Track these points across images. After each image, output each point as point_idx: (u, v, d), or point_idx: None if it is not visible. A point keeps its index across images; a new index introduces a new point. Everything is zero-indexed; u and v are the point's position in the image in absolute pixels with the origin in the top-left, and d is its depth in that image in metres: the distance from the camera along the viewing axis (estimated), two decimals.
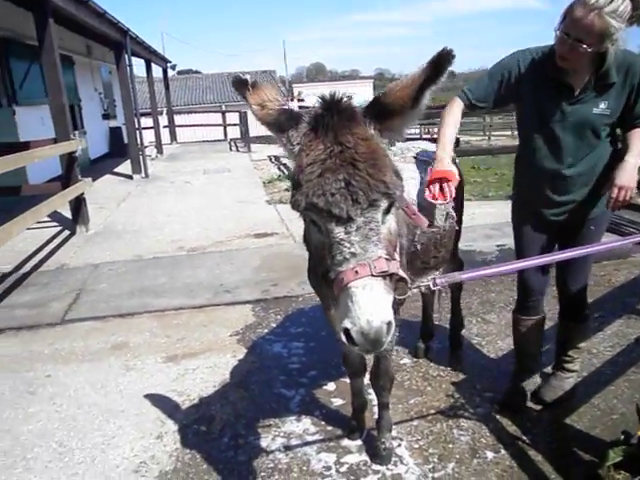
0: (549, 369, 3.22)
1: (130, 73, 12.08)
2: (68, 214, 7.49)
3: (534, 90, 2.38)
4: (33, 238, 6.93)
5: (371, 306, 1.38)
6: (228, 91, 33.22)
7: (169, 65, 20.41)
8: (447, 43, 1.36)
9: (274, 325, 4.09)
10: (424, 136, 17.32)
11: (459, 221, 2.98)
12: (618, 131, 2.45)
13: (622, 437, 2.48)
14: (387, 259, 1.44)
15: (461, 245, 5.38)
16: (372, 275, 1.40)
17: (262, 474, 2.52)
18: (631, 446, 2.38)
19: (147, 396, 3.20)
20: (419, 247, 2.37)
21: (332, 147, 1.43)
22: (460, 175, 3.03)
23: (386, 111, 1.48)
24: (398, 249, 1.63)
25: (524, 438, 2.67)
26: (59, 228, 7.56)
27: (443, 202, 2.22)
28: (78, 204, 7.15)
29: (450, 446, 2.64)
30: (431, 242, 2.48)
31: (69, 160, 6.98)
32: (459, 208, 3.01)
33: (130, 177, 11.95)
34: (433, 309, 3.49)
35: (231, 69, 39.31)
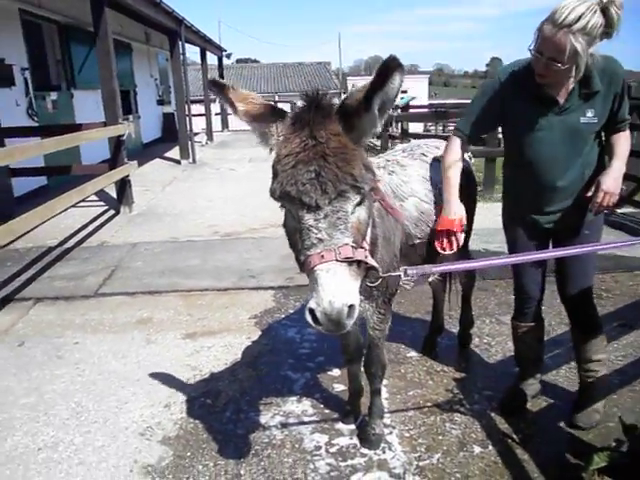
0: (554, 373, 3.25)
1: (183, 61, 12.45)
2: (115, 195, 7.86)
3: (519, 106, 2.37)
4: (80, 216, 7.34)
5: (333, 289, 1.50)
6: (282, 81, 33.59)
7: (225, 54, 20.82)
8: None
9: (292, 311, 4.23)
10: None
11: (469, 219, 3.02)
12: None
13: (613, 444, 2.50)
14: (353, 247, 1.56)
15: (492, 247, 5.44)
16: (337, 260, 1.52)
17: (256, 447, 2.67)
18: (616, 452, 2.40)
19: (162, 368, 3.41)
20: (416, 241, 2.45)
21: (307, 141, 1.55)
22: (473, 177, 3.09)
23: (348, 112, 1.58)
24: (369, 238, 1.73)
25: (514, 437, 2.72)
26: (105, 207, 7.95)
27: (451, 252, 2.46)
28: (123, 186, 7.49)
29: (440, 438, 2.72)
30: (430, 237, 2.54)
31: (117, 143, 7.32)
32: (471, 206, 3.05)
33: (178, 162, 12.36)
34: (443, 306, 3.55)
35: (289, 60, 39.63)
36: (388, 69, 1.46)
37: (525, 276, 2.72)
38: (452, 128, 2.82)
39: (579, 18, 2.01)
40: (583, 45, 2.05)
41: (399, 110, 10.07)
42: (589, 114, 2.28)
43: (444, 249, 2.46)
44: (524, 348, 2.93)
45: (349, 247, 1.55)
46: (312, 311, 1.52)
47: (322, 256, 1.53)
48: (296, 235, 1.63)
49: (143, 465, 2.57)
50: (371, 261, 1.66)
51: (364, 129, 1.60)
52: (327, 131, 1.55)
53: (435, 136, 8.46)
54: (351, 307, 1.51)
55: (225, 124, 20.43)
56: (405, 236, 2.39)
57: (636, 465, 2.24)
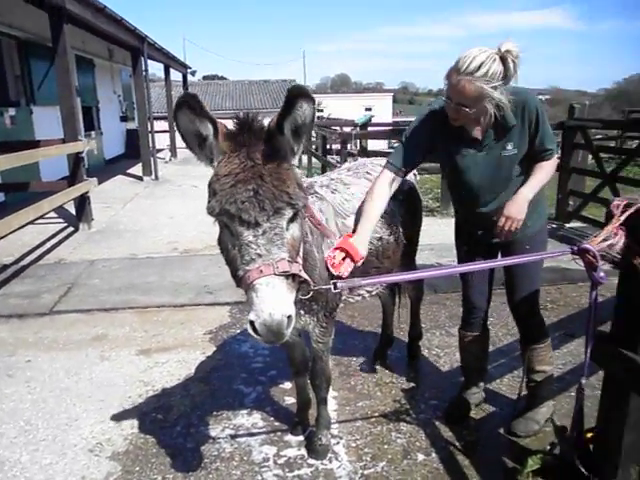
0: (498, 382, 3.38)
1: (145, 77, 12.45)
2: (74, 212, 7.79)
3: (445, 143, 2.51)
4: (38, 233, 7.25)
5: (273, 301, 1.60)
6: (247, 99, 33.76)
7: (189, 71, 20.85)
8: None
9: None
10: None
11: (413, 236, 3.14)
12: None
13: (548, 448, 2.63)
14: (289, 261, 1.66)
15: (445, 260, 5.59)
16: (275, 274, 1.62)
17: (205, 460, 2.71)
18: (549, 455, 2.53)
19: (115, 385, 3.42)
20: None
21: (245, 162, 1.65)
22: (416, 194, 3.22)
23: (269, 135, 1.68)
24: (302, 253, 1.83)
25: (457, 444, 2.82)
26: (64, 225, 7.87)
27: (335, 272, 2.25)
28: (82, 202, 7.45)
29: (385, 447, 2.80)
30: (372, 254, 2.64)
31: (75, 160, 7.29)
32: (416, 222, 3.17)
33: (140, 179, 12.30)
34: (393, 319, 3.65)
35: (256, 77, 39.91)
36: (292, 97, 1.59)
37: (471, 287, 2.85)
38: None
39: (480, 66, 2.16)
40: (486, 91, 2.19)
41: (358, 128, 10.31)
42: (509, 147, 2.41)
43: (332, 265, 2.27)
44: (469, 357, 3.05)
45: (286, 261, 1.65)
46: (252, 323, 1.61)
47: (261, 270, 1.62)
48: (233, 251, 1.72)
49: None
50: (304, 275, 1.76)
51: (285, 150, 1.71)
52: (262, 152, 1.65)
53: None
54: (289, 317, 1.62)
55: None
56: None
57: (565, 466, 2.36)
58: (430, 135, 2.53)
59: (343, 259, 2.29)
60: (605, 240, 1.97)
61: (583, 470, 2.14)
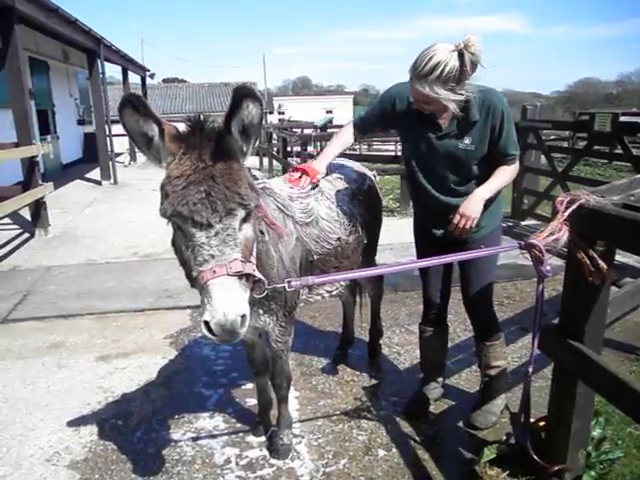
0: (457, 377, 3.45)
1: (102, 80, 12.23)
2: (30, 217, 7.59)
3: (408, 122, 2.56)
4: None
5: (227, 301, 1.61)
6: (207, 101, 33.53)
7: (148, 73, 20.56)
8: None
9: None
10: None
11: (373, 236, 3.18)
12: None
13: (504, 438, 2.71)
14: (242, 261, 1.67)
15: (404, 259, 5.66)
16: (228, 274, 1.63)
17: (167, 465, 2.69)
18: (504, 445, 2.61)
19: (73, 392, 3.35)
20: (316, 257, 2.58)
21: (197, 164, 1.65)
22: (376, 194, 3.25)
23: (219, 136, 1.70)
24: (255, 253, 1.85)
25: (417, 438, 2.87)
26: (19, 231, 7.67)
27: (295, 186, 2.61)
28: (38, 208, 7.26)
29: (347, 444, 2.83)
30: (330, 253, 2.68)
31: (30, 164, 7.11)
32: (375, 222, 3.20)
33: (99, 183, 12.07)
34: (353, 318, 3.69)
35: (217, 79, 39.60)
36: (238, 97, 1.61)
37: (427, 283, 2.93)
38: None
39: (433, 69, 2.19)
40: (441, 91, 2.24)
41: (318, 130, 10.37)
42: (466, 141, 2.45)
43: (291, 181, 2.63)
44: (428, 352, 3.11)
45: (239, 262, 1.67)
46: (207, 323, 1.62)
47: (214, 271, 1.63)
48: (187, 252, 1.72)
49: None
50: (258, 274, 1.78)
51: (235, 150, 1.73)
52: (214, 154, 1.66)
53: (353, 156, 8.71)
54: (243, 317, 1.64)
55: None
56: (305, 252, 2.51)
57: (519, 453, 2.44)
58: (396, 108, 2.58)
59: (300, 177, 2.63)
60: (551, 235, 2.05)
61: (535, 457, 2.22)
